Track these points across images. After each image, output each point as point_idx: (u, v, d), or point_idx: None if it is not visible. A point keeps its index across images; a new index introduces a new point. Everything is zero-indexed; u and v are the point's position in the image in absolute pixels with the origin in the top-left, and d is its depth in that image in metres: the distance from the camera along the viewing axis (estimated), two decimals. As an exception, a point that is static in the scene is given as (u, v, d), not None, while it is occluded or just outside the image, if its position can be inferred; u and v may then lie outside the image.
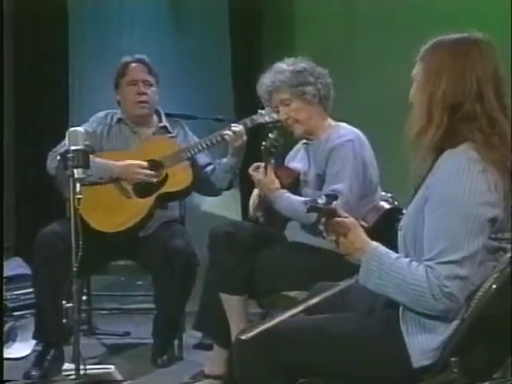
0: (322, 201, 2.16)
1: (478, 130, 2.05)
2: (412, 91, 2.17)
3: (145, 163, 3.71)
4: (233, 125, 3.65)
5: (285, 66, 3.29)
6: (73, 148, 2.93)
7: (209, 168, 3.83)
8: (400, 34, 4.60)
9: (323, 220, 2.14)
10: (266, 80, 3.32)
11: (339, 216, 2.15)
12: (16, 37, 4.84)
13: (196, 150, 3.72)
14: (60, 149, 3.67)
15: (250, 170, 3.30)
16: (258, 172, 3.26)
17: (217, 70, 5.10)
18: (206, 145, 3.71)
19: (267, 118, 3.48)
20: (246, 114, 3.75)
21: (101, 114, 3.91)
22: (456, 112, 2.07)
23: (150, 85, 3.85)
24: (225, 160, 3.76)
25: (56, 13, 4.89)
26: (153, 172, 3.70)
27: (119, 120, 3.87)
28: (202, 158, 3.84)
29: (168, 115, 3.96)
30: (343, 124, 3.33)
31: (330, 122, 3.35)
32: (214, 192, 3.94)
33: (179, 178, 3.71)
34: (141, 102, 3.82)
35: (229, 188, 3.89)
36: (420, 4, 4.64)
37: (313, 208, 2.14)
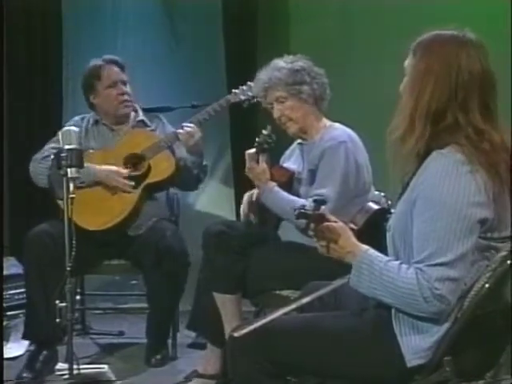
0: (310, 207, 2.16)
1: (464, 137, 2.04)
2: (402, 84, 2.15)
3: (125, 171, 3.71)
4: (185, 124, 3.69)
5: (283, 63, 3.28)
6: (67, 147, 2.93)
7: (181, 164, 3.81)
8: (396, 33, 4.59)
9: (312, 226, 2.14)
10: (262, 76, 3.31)
11: (328, 220, 2.15)
12: (10, 37, 4.83)
13: (172, 139, 3.73)
14: (40, 156, 3.69)
15: (247, 153, 3.26)
16: (252, 160, 3.24)
17: (211, 69, 5.10)
18: (176, 136, 3.72)
19: (242, 97, 3.51)
20: (240, 111, 3.75)
21: (77, 117, 3.95)
22: (439, 122, 2.05)
23: (126, 83, 3.87)
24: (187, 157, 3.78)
25: (51, 13, 4.88)
26: (130, 182, 3.70)
27: (95, 122, 3.89)
28: (180, 152, 3.82)
29: (144, 110, 3.97)
30: (337, 125, 3.33)
31: (325, 122, 3.35)
32: (188, 186, 3.96)
33: (162, 167, 3.73)
34: (124, 101, 3.84)
35: (199, 182, 3.91)
36: (417, 3, 4.63)
37: (302, 214, 2.13)
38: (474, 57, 2.07)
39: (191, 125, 3.69)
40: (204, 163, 3.85)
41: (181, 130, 3.70)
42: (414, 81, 2.09)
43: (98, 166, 3.70)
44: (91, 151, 3.77)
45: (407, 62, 2.15)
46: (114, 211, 3.69)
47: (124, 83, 3.86)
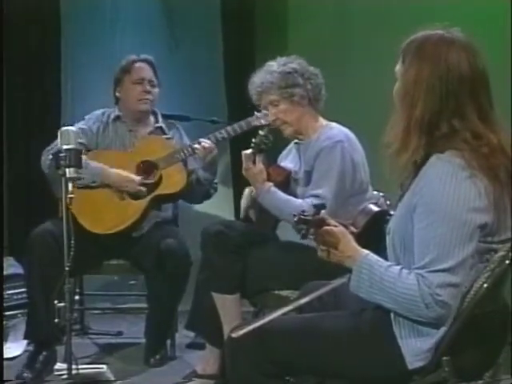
0: (309, 212, 2.16)
1: (462, 141, 2.03)
2: (394, 90, 2.14)
3: (138, 178, 3.69)
4: (202, 140, 3.65)
5: (275, 66, 3.28)
6: (65, 147, 2.93)
7: (192, 177, 3.80)
8: (396, 33, 4.57)
9: (312, 231, 2.13)
10: (256, 80, 3.32)
11: (328, 225, 2.14)
12: (9, 37, 4.83)
13: (188, 152, 3.70)
14: (54, 147, 3.68)
15: (244, 153, 3.24)
16: (249, 160, 3.22)
17: (209, 72, 5.09)
18: (193, 150, 3.69)
19: (262, 121, 3.49)
20: (240, 115, 3.74)
21: (98, 111, 3.92)
22: (433, 132, 2.05)
23: (154, 85, 3.87)
24: (200, 173, 3.77)
25: (49, 13, 4.88)
26: (143, 188, 3.69)
27: (116, 118, 3.88)
28: (191, 164, 3.81)
29: (163, 116, 3.97)
30: (334, 124, 3.33)
31: (322, 121, 3.35)
32: (195, 200, 3.97)
33: (173, 179, 3.71)
34: (145, 99, 3.84)
35: (206, 198, 3.91)
36: (417, 3, 4.62)
37: (301, 220, 2.13)
38: (463, 58, 2.05)
39: (208, 141, 3.65)
40: (215, 180, 3.86)
41: (197, 145, 3.65)
42: (404, 91, 2.08)
43: (111, 170, 3.69)
44: (105, 150, 3.78)
45: (397, 68, 2.14)
46: (121, 217, 3.67)
47: (152, 84, 3.86)
